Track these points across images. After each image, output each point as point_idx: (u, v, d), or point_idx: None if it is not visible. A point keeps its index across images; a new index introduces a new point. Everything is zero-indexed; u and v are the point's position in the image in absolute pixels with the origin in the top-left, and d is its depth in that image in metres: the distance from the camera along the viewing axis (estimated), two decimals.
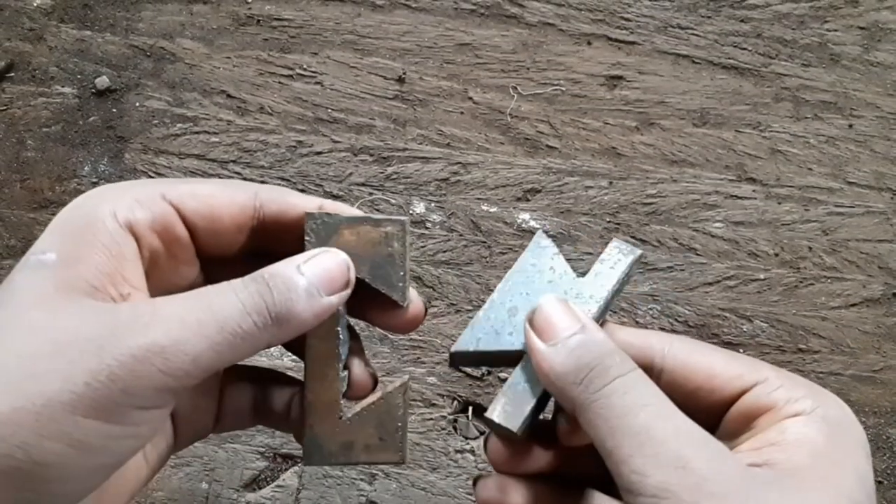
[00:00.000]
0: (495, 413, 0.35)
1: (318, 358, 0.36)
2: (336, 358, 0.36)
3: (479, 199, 0.67)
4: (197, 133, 0.68)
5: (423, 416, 0.62)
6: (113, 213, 0.32)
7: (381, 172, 0.67)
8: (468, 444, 0.62)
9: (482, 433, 0.62)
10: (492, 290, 0.38)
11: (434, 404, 0.62)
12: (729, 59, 0.71)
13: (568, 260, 0.40)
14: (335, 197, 0.66)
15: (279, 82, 0.69)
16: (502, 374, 0.63)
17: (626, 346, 0.35)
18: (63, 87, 0.69)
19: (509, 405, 0.35)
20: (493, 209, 0.67)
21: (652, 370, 0.36)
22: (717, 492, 0.29)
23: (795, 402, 0.33)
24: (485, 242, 0.66)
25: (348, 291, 0.34)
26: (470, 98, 0.69)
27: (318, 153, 0.68)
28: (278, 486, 0.60)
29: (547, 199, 0.67)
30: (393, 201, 0.66)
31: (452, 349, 0.38)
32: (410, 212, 0.66)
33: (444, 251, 0.66)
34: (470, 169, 0.67)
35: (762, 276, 0.66)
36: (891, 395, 0.64)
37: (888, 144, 0.69)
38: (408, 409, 0.38)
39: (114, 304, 0.30)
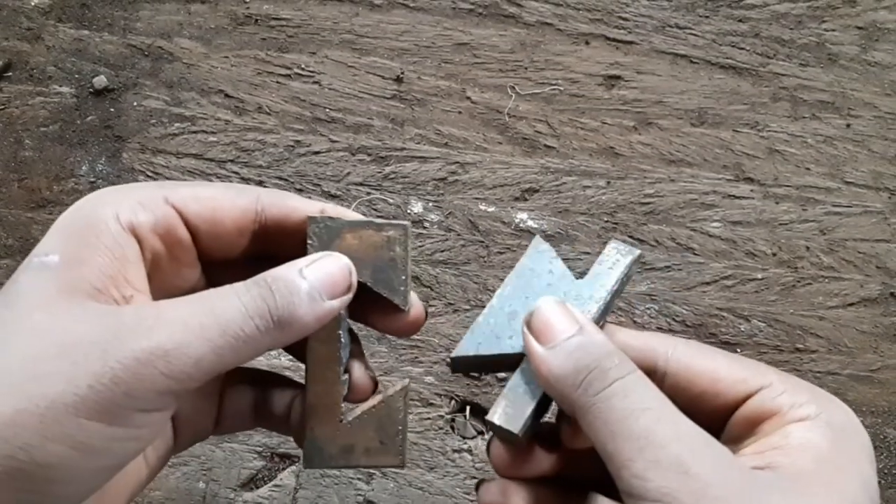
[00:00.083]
0: (496, 415, 0.35)
1: (319, 361, 0.36)
2: (337, 361, 0.36)
3: (476, 198, 0.67)
4: (195, 132, 0.68)
5: (420, 416, 0.62)
6: (116, 215, 0.32)
7: (379, 172, 0.67)
8: (466, 443, 0.62)
9: (480, 433, 0.62)
10: (490, 290, 0.38)
11: (432, 404, 0.63)
12: (727, 58, 0.71)
13: (566, 259, 0.40)
14: (333, 196, 0.66)
15: (277, 82, 0.69)
16: (500, 374, 0.63)
17: (626, 347, 0.35)
18: (61, 86, 0.69)
19: (510, 407, 0.35)
20: (491, 209, 0.67)
21: (655, 374, 0.36)
22: (719, 496, 0.29)
23: (800, 406, 0.33)
24: (483, 242, 0.66)
25: (350, 295, 0.34)
26: (468, 98, 0.69)
27: (316, 153, 0.68)
28: (276, 486, 0.60)
29: (545, 199, 0.67)
30: (391, 201, 0.66)
31: (453, 354, 0.38)
32: (408, 211, 0.66)
33: (442, 251, 0.66)
34: (468, 168, 0.67)
35: (760, 276, 0.66)
36: (888, 394, 0.64)
37: (886, 144, 0.69)
38: (408, 412, 0.38)
39: (117, 307, 0.30)
